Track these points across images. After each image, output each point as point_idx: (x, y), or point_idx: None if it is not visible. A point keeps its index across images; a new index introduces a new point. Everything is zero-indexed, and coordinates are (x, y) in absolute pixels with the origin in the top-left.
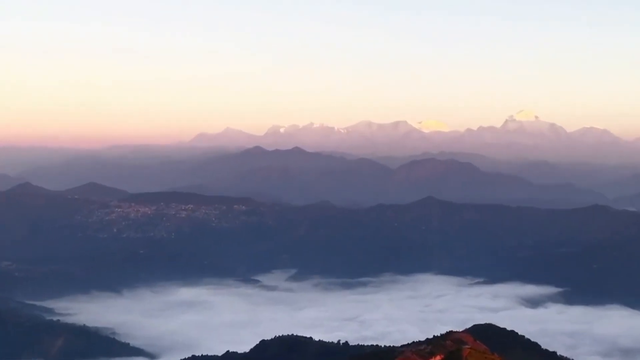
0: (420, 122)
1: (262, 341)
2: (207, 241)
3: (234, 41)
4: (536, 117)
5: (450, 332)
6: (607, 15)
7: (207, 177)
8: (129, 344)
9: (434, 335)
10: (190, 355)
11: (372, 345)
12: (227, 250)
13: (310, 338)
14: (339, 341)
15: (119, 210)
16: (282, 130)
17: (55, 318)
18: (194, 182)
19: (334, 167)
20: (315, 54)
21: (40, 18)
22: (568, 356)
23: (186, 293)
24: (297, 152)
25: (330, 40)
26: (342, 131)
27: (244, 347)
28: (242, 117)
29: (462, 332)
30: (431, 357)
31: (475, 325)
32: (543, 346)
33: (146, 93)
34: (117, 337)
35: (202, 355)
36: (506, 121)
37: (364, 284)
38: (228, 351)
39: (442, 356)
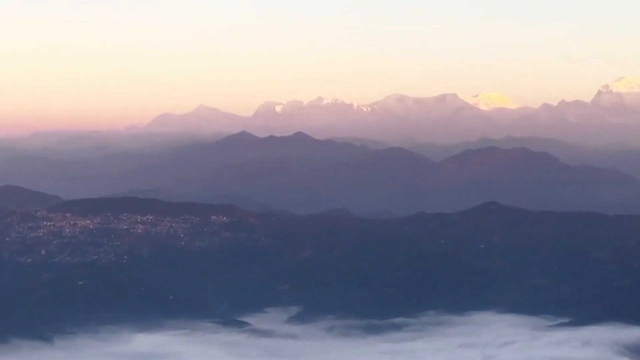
0: (476, 96)
1: None
2: (173, 267)
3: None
4: None
5: None
6: None
7: (172, 176)
8: None
9: None
10: None
11: None
12: (202, 280)
13: None
14: None
15: (49, 224)
16: (278, 108)
17: None
18: (154, 183)
19: (352, 160)
20: (323, 3)
21: None
22: None
23: (144, 341)
24: (301, 138)
25: None
26: (365, 109)
27: None
28: (221, 91)
29: None
30: None
31: None
32: None
33: (84, 61)
34: None
35: None
36: (599, 92)
37: (398, 327)
38: None
39: None
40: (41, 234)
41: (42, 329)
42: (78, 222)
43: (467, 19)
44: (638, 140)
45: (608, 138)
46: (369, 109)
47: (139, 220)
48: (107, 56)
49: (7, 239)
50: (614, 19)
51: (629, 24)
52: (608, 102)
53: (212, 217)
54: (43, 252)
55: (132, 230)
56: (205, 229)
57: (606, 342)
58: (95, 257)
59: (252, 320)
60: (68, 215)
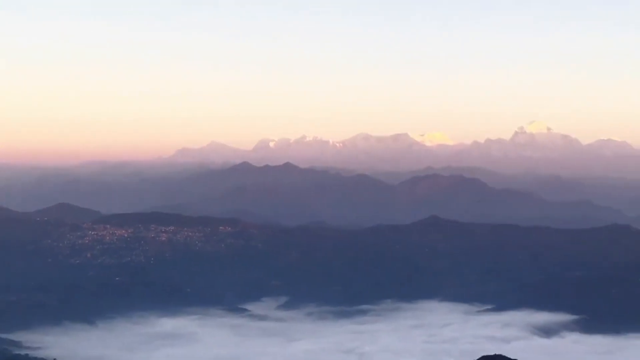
0: (422, 135)
1: None
2: (190, 267)
3: (219, 49)
4: (548, 128)
5: None
6: (623, 21)
7: (189, 196)
8: None
9: None
10: None
11: None
12: (212, 277)
13: None
14: None
15: (93, 233)
16: (272, 144)
17: (23, 352)
18: (175, 201)
19: (329, 184)
20: (308, 62)
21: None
22: None
23: (168, 324)
24: (289, 167)
25: (324, 49)
26: (338, 145)
27: None
28: (228, 130)
29: None
30: None
31: (484, 357)
32: None
33: (122, 105)
34: None
35: None
36: (516, 133)
37: (363, 313)
38: None
39: None
40: (87, 241)
41: (88, 315)
42: (115, 231)
43: (417, 73)
44: (545, 170)
45: (522, 168)
46: (341, 144)
47: (163, 230)
48: (139, 101)
49: (60, 245)
50: (531, 77)
51: (542, 79)
52: (523, 140)
53: (220, 228)
54: (88, 255)
55: (157, 238)
56: (214, 237)
57: (521, 324)
58: (129, 259)
59: (251, 307)
60: (108, 226)
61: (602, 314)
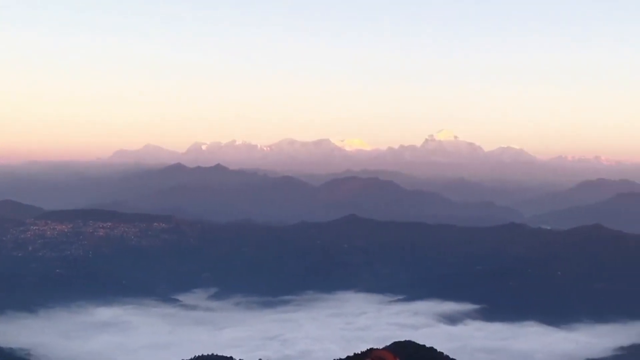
0: (342, 141)
1: None
2: (126, 260)
3: (153, 55)
4: (455, 136)
5: (371, 349)
6: (521, 37)
7: (126, 194)
8: None
9: (354, 353)
10: None
11: None
12: (146, 269)
13: (231, 358)
14: None
15: (35, 228)
16: (204, 147)
17: None
18: (113, 199)
19: (256, 185)
20: (238, 71)
21: None
22: None
23: (104, 313)
24: (220, 169)
25: (252, 57)
26: (265, 149)
27: None
28: (162, 133)
29: (383, 349)
30: None
31: (395, 342)
32: None
33: (64, 109)
34: (32, 359)
35: None
36: (426, 140)
37: (286, 303)
38: None
39: None
40: (29, 236)
41: (30, 305)
42: (56, 227)
43: (339, 83)
44: (451, 174)
45: (431, 172)
46: (268, 148)
47: (101, 226)
48: (79, 105)
49: (4, 239)
50: (440, 89)
51: (451, 92)
52: (432, 147)
53: (155, 224)
54: (30, 248)
55: (95, 233)
56: (149, 233)
57: (429, 313)
58: (69, 252)
59: (183, 298)
60: (49, 222)
61: (501, 303)
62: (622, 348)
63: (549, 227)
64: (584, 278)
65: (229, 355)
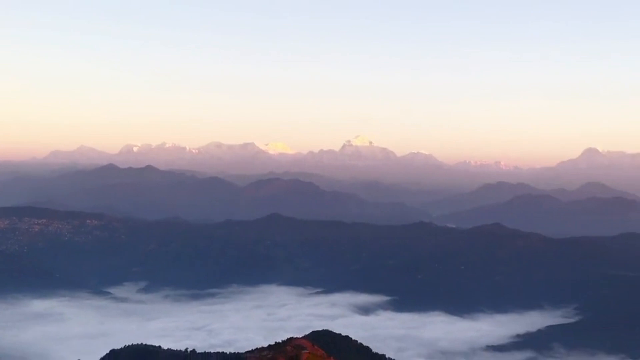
0: (266, 144)
1: (112, 351)
2: (59, 255)
3: (89, 60)
4: (370, 142)
5: (291, 338)
6: (435, 50)
7: (60, 192)
8: None
9: (275, 342)
10: None
11: (218, 353)
12: (79, 264)
13: (160, 347)
14: (186, 349)
15: None
16: (135, 149)
17: None
18: (48, 197)
19: (185, 185)
20: (167, 77)
21: None
22: (396, 358)
23: (38, 305)
24: (150, 170)
25: (181, 64)
26: (194, 151)
27: (95, 357)
28: (96, 135)
29: (302, 338)
30: None
31: (313, 332)
32: (374, 350)
33: (1, 108)
34: None
35: None
36: (344, 145)
37: (213, 295)
38: None
39: None
40: None
41: None
42: None
43: (263, 91)
44: (367, 177)
45: (349, 174)
46: (197, 150)
47: (36, 222)
48: (15, 105)
49: None
50: (357, 99)
51: (366, 101)
52: (349, 151)
53: (88, 221)
54: None
55: (31, 229)
56: (82, 229)
57: (345, 304)
58: (5, 247)
59: (114, 290)
60: None
61: (410, 295)
62: (518, 335)
63: (454, 226)
64: (485, 272)
65: (157, 345)
